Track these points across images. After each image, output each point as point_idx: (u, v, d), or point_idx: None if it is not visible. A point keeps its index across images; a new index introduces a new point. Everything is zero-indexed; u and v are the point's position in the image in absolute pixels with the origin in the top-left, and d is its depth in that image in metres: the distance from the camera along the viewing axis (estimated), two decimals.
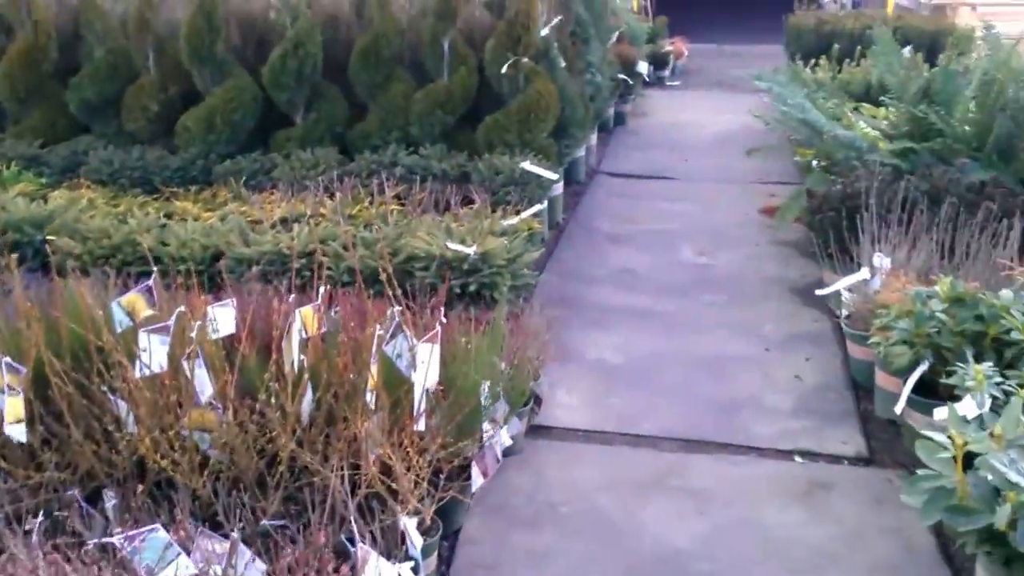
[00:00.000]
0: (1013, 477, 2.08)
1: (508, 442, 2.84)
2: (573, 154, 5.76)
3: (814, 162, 5.40)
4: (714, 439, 3.29)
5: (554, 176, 4.75)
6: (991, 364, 2.67)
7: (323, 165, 4.83)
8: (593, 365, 3.86)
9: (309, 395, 2.49)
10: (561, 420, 3.42)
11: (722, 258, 5.11)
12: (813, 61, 7.34)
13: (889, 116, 5.27)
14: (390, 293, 2.62)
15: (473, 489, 2.71)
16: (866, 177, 4.18)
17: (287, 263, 3.66)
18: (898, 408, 3.08)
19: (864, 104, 6.38)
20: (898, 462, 3.14)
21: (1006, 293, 2.98)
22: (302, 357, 2.48)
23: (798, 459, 3.16)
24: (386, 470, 2.41)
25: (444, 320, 2.73)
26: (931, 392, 3.05)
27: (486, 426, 2.75)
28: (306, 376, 2.47)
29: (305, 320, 2.55)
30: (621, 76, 7.76)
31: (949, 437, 2.23)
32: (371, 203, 4.39)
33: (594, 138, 6.90)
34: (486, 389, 2.74)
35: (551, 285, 4.63)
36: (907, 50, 5.42)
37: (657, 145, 7.70)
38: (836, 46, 7.41)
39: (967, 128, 4.64)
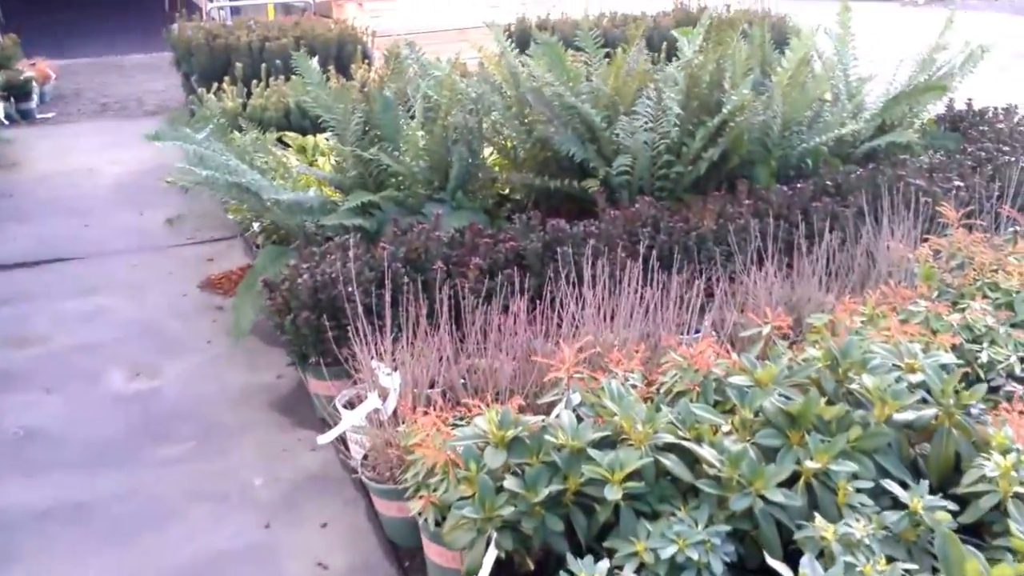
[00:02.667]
0: None
1: None
2: None
3: (256, 224, 4.36)
4: None
5: None
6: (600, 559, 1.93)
7: None
8: None
9: None
10: None
11: (168, 375, 3.80)
12: (216, 85, 6.20)
13: (331, 160, 4.42)
14: None
15: None
16: (339, 255, 3.24)
17: None
18: None
19: (288, 133, 5.52)
20: None
21: (566, 418, 2.28)
22: None
23: None
24: None
25: None
26: (508, 564, 2.28)
27: None
28: None
29: None
30: None
31: None
32: None
33: None
34: None
35: None
36: (314, 62, 4.59)
37: (43, 210, 5.91)
38: (239, 64, 6.36)
39: (422, 164, 3.99)
